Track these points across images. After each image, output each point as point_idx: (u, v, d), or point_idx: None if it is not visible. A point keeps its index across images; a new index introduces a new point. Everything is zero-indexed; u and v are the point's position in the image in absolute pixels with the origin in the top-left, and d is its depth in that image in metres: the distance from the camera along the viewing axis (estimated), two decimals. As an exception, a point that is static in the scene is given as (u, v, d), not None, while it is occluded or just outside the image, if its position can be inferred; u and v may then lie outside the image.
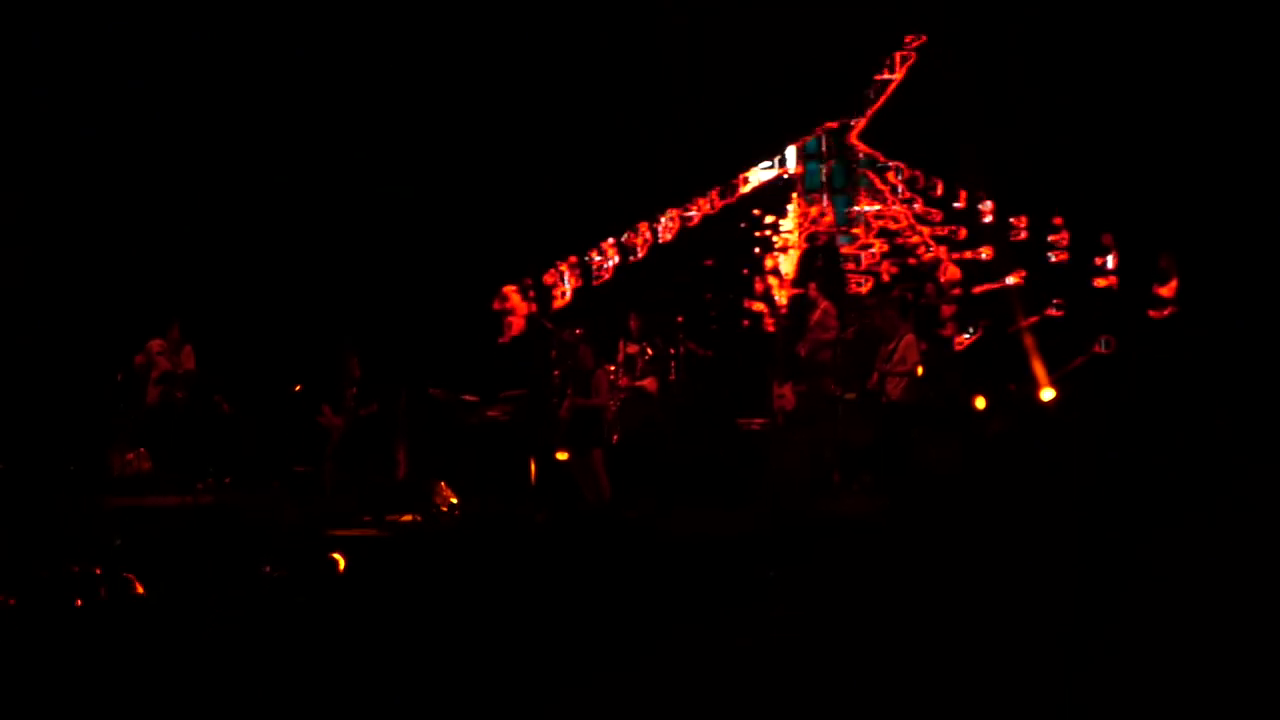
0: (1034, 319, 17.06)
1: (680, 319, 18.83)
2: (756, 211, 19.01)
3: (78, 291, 18.25)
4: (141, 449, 17.63)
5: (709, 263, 19.17)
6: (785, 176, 24.68)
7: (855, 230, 19.06)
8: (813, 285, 18.27)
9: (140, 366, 17.70)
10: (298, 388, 17.28)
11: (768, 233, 19.61)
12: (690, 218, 21.17)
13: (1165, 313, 17.48)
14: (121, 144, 18.16)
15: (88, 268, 18.27)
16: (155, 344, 17.69)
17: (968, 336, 18.13)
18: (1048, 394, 16.67)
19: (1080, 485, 13.52)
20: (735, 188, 22.10)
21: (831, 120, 22.07)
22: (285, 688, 9.47)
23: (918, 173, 22.14)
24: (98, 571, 12.24)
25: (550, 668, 9.62)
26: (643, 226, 19.31)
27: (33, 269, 17.79)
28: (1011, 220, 18.44)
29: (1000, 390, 17.47)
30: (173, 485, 16.78)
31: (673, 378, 18.36)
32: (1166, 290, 17.67)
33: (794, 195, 24.61)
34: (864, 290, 18.71)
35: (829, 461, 16.65)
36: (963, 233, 18.55)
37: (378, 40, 18.33)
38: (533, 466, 16.21)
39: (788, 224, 21.88)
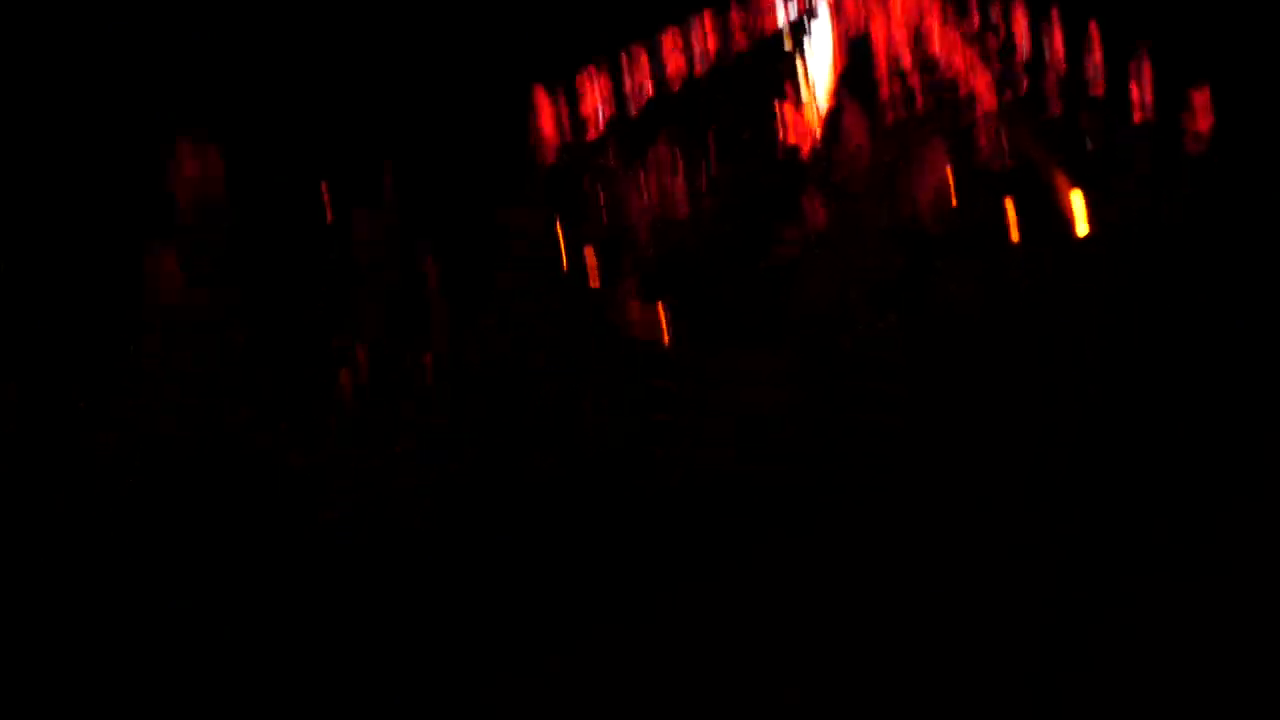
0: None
1: (712, 142, 18.68)
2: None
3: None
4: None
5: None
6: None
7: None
8: (846, 108, 18.11)
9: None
10: None
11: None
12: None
13: (1202, 148, 17.29)
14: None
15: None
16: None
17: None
18: (1081, 227, 16.60)
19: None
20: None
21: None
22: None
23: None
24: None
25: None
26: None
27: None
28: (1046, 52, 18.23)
29: (1033, 218, 17.38)
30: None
31: (705, 204, 18.31)
32: (1204, 124, 17.45)
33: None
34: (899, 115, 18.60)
35: (855, 291, 16.66)
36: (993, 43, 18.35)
37: None
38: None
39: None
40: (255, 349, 14.09)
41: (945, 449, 11.75)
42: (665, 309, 16.38)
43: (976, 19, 20.81)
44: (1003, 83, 18.00)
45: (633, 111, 18.81)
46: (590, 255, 16.25)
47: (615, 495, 11.07)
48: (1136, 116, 18.09)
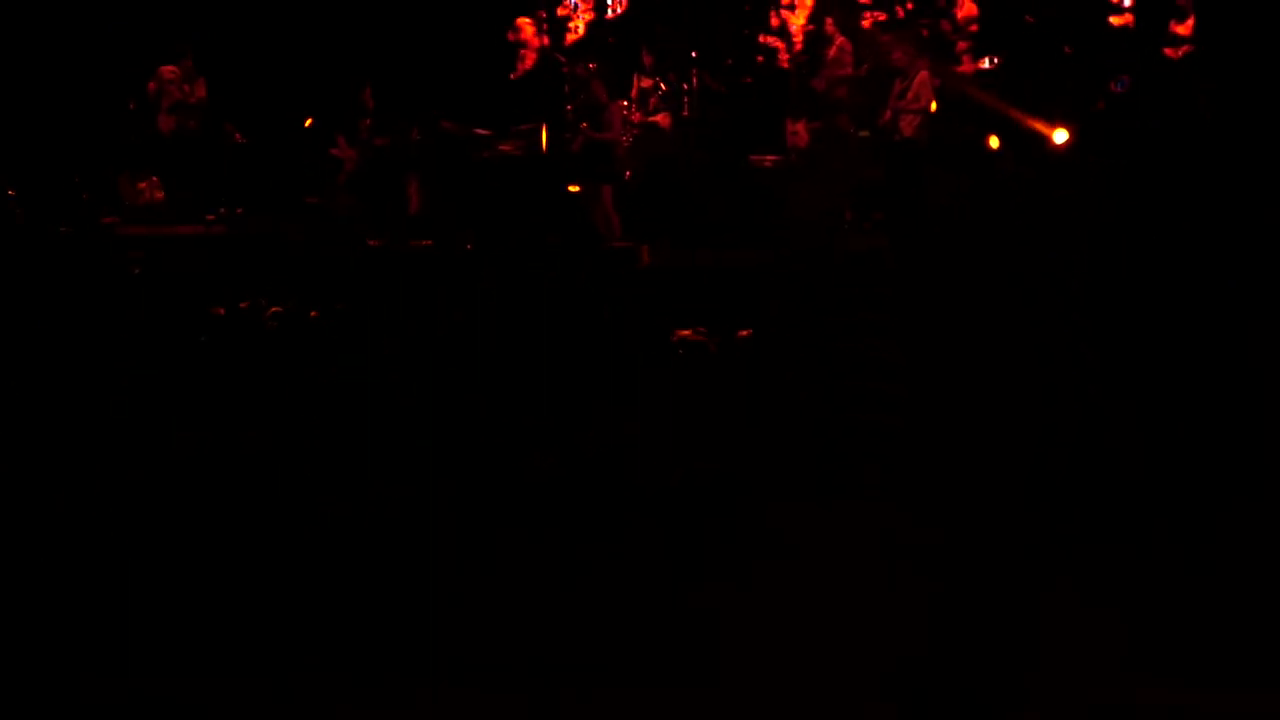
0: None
1: (695, 54, 18.65)
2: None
3: (90, 15, 18.12)
4: (153, 177, 17.67)
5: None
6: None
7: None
8: (829, 20, 18.06)
9: (152, 94, 17.62)
10: (309, 122, 17.24)
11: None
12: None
13: (1181, 51, 17.28)
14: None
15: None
16: (167, 71, 17.58)
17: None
18: (1060, 135, 16.60)
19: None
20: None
21: None
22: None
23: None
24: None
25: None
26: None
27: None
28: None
29: (1015, 128, 17.38)
30: (184, 215, 16.91)
31: (686, 113, 18.25)
32: (1184, 28, 17.44)
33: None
34: (878, 26, 18.53)
35: (841, 198, 16.70)
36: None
37: None
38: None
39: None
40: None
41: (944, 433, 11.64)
42: (647, 217, 16.45)
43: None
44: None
45: (612, 30, 18.74)
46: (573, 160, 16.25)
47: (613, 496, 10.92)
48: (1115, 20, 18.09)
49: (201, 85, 17.77)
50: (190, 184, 17.37)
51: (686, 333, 12.90)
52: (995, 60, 17.83)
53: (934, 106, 16.74)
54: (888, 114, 16.77)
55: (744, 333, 13.11)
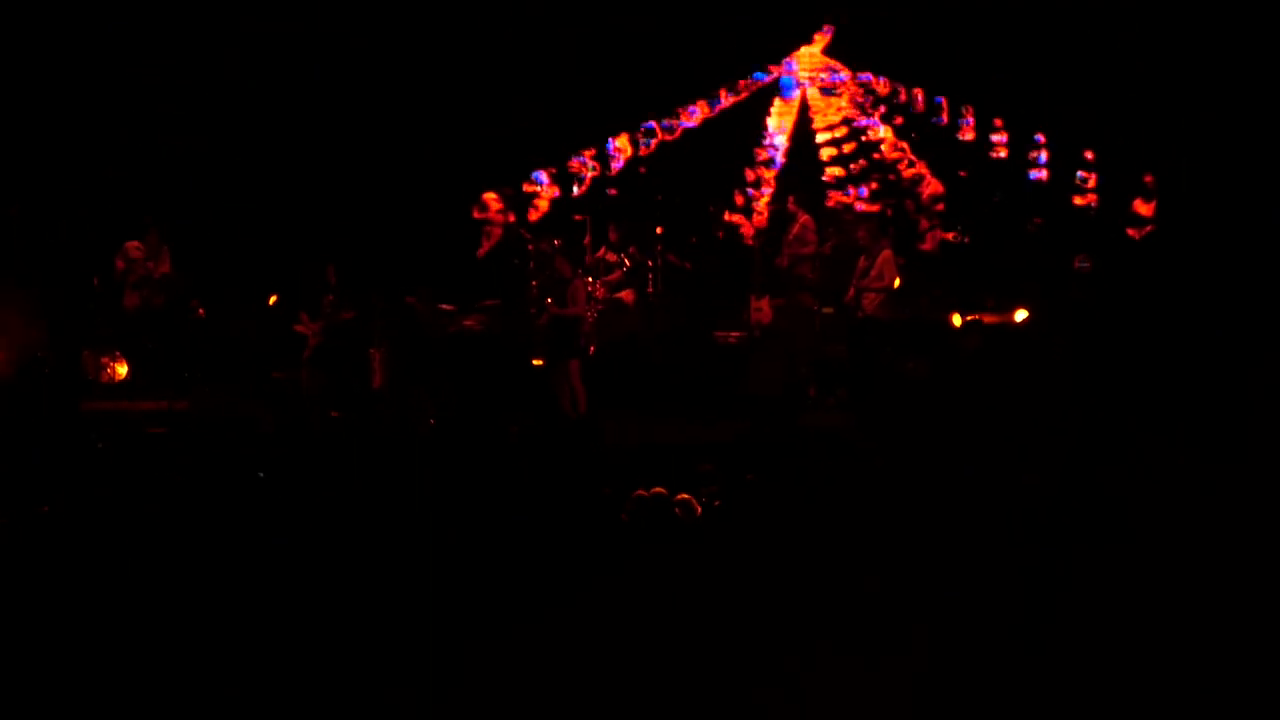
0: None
1: (659, 230, 18.80)
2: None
3: (53, 195, 18.18)
4: (117, 353, 17.60)
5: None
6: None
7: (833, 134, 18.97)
8: (791, 198, 18.22)
9: (119, 271, 17.64)
10: (273, 299, 17.23)
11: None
12: (673, 128, 21.05)
13: (1144, 231, 17.47)
14: (97, 46, 18.07)
15: (62, 170, 18.19)
16: (132, 247, 17.62)
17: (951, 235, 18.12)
18: (1021, 315, 16.72)
19: (1053, 409, 13.54)
20: (718, 98, 21.93)
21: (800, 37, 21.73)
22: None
23: (898, 86, 21.98)
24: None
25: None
26: (624, 138, 19.24)
27: (6, 171, 17.71)
28: (992, 138, 18.38)
29: (977, 307, 17.49)
30: (149, 390, 16.82)
31: (650, 289, 18.33)
32: (1147, 209, 17.65)
33: (775, 101, 24.30)
34: (843, 205, 18.69)
35: (804, 375, 16.71)
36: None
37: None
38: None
39: (773, 125, 21.66)
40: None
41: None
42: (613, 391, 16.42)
43: (920, 108, 21.04)
44: (944, 168, 18.15)
45: (580, 207, 18.89)
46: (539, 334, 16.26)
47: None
48: (1078, 200, 18.32)
49: (166, 259, 17.80)
50: (154, 360, 17.32)
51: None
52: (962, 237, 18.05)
53: (897, 284, 16.83)
54: (851, 291, 16.87)
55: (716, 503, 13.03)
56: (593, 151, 19.24)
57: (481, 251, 17.38)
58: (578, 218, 19.18)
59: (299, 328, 17.27)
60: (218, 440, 14.53)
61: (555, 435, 15.20)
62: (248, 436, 14.95)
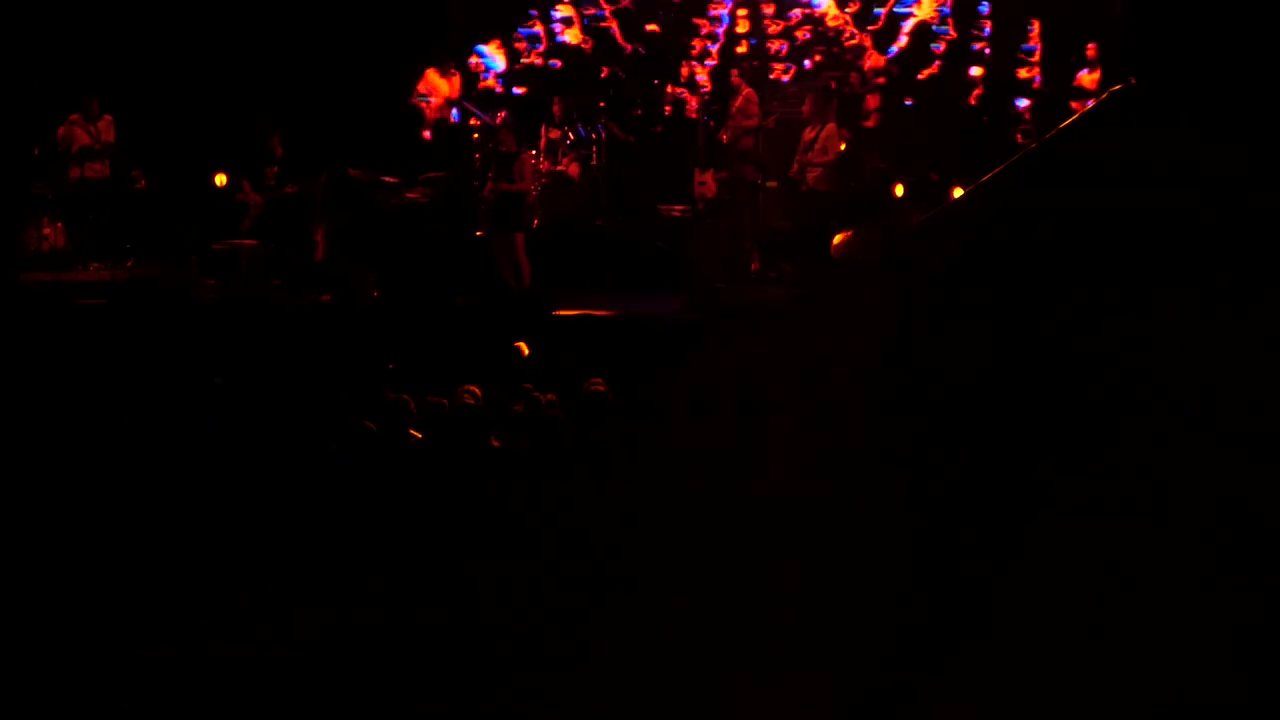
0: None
1: (603, 104, 18.73)
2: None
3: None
4: (58, 224, 17.54)
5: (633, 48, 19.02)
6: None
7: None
8: (734, 72, 18.17)
9: (61, 139, 17.51)
10: (222, 179, 17.08)
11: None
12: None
13: (1088, 105, 17.47)
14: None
15: (4, 39, 18.00)
16: (76, 117, 17.51)
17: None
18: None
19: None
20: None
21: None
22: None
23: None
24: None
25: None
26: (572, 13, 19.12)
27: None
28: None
29: (922, 178, 17.51)
30: (89, 261, 16.80)
31: (595, 163, 18.29)
32: (1090, 81, 17.67)
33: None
34: (787, 77, 18.63)
35: (748, 249, 16.77)
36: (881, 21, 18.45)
37: None
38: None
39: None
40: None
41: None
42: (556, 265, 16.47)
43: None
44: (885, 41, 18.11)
45: (524, 82, 18.79)
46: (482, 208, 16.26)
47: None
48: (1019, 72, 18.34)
49: (110, 128, 17.69)
50: (95, 230, 17.27)
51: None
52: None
53: (841, 148, 16.81)
54: (795, 165, 16.88)
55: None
56: (537, 23, 19.11)
57: (426, 132, 17.42)
58: (521, 91, 19.11)
59: (240, 197, 17.22)
60: (155, 311, 14.53)
61: (500, 307, 15.26)
62: (186, 307, 14.96)
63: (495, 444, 9.74)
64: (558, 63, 19.15)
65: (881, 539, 5.12)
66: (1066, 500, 5.03)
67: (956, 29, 18.47)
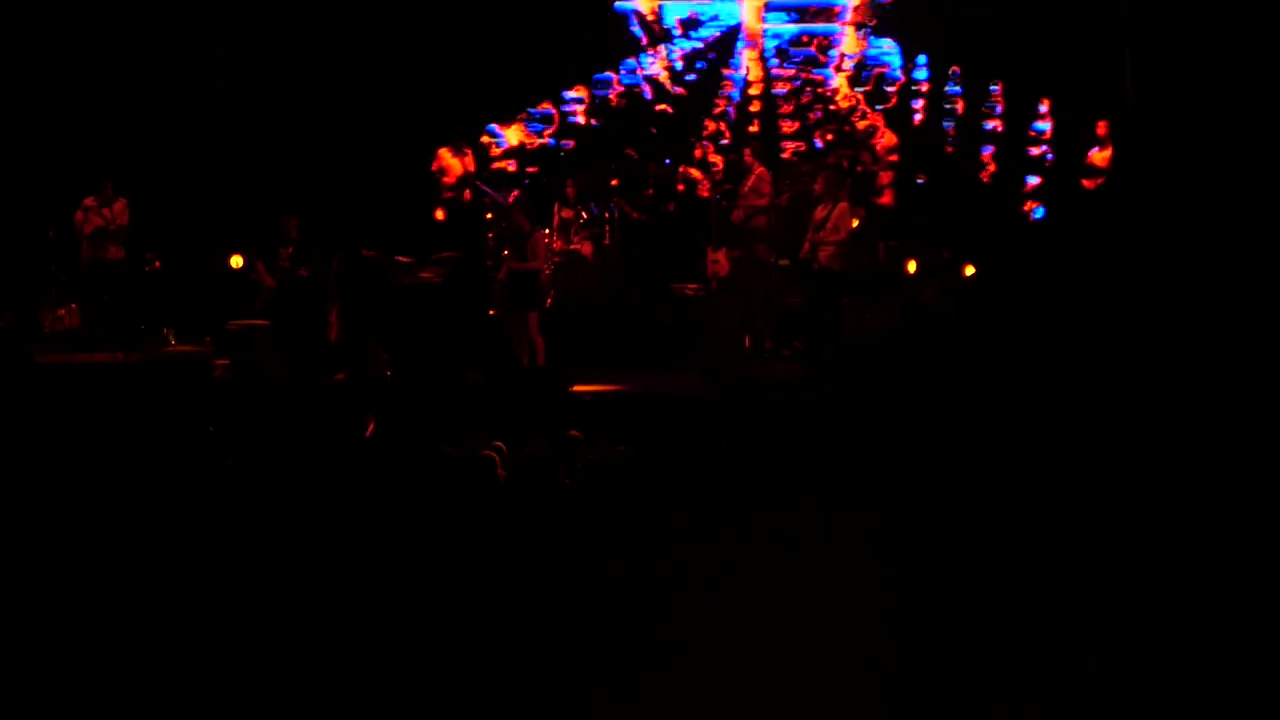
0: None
1: (615, 183, 18.80)
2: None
3: (9, 147, 18.11)
4: (73, 305, 17.57)
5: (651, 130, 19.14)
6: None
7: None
8: (747, 150, 18.23)
9: (78, 222, 17.59)
10: (237, 261, 17.10)
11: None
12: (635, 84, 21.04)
13: (1098, 182, 17.50)
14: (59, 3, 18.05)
15: (21, 122, 18.12)
16: (90, 201, 17.59)
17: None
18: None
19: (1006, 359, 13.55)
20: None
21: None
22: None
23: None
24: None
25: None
26: (585, 93, 19.24)
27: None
28: (947, 89, 18.41)
29: (933, 256, 17.52)
30: (103, 342, 16.79)
31: (607, 242, 18.34)
32: (1101, 159, 17.69)
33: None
34: (799, 157, 18.72)
35: (761, 327, 16.77)
36: (893, 100, 18.55)
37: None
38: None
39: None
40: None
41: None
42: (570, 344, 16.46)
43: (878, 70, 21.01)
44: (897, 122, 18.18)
45: (535, 161, 18.88)
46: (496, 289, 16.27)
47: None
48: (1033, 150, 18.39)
49: (125, 211, 17.75)
50: (109, 312, 17.29)
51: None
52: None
53: (854, 225, 16.84)
54: (807, 244, 16.89)
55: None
56: (548, 104, 19.25)
57: (439, 212, 17.46)
58: (534, 171, 19.19)
59: (254, 278, 17.23)
60: (170, 389, 14.52)
61: (515, 384, 15.24)
62: (201, 386, 14.95)
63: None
64: (570, 143, 19.25)
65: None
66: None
67: (967, 107, 18.59)
